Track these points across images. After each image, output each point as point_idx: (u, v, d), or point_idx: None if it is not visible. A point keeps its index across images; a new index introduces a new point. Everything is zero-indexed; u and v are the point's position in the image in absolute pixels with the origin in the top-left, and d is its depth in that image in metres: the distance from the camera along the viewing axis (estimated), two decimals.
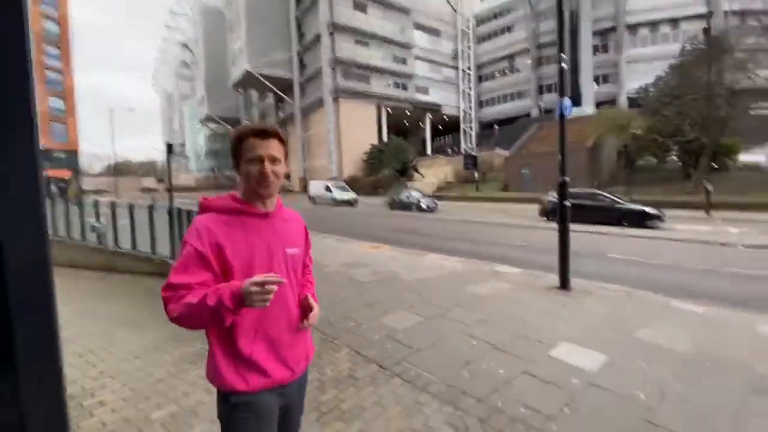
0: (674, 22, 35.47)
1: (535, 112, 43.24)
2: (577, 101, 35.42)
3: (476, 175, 28.81)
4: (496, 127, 44.29)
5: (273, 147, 1.23)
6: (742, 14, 25.15)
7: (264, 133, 1.22)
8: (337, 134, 39.60)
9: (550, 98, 40.83)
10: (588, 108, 33.20)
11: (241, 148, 1.23)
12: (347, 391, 2.70)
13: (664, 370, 2.93)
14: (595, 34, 37.57)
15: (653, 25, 36.58)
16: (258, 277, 1.07)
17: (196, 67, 65.33)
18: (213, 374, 1.21)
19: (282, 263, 1.27)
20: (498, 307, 4.48)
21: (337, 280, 5.84)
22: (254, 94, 54.32)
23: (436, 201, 20.74)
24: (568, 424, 2.29)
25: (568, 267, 5.14)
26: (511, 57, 46.43)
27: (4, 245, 0.52)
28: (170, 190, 8.61)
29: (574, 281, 5.21)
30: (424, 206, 19.38)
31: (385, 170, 36.86)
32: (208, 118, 59.76)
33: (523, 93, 45.40)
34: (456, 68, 48.56)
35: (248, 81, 45.09)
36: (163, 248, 7.24)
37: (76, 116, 39.43)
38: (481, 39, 49.01)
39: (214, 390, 1.27)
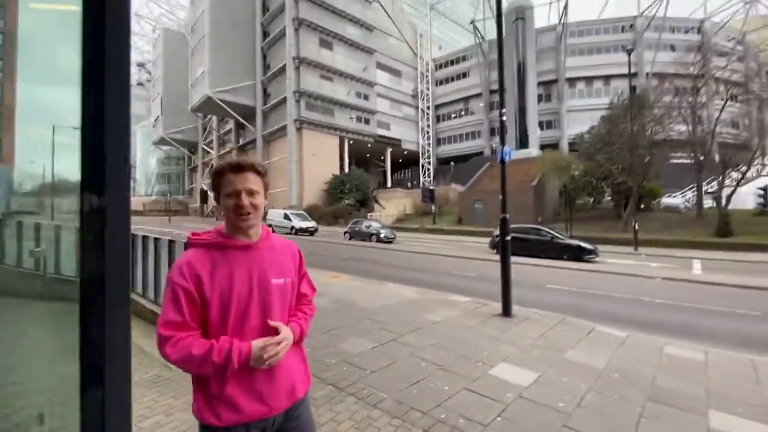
0: (606, 78, 40.46)
1: (487, 152, 46.32)
2: (524, 143, 38.70)
3: (433, 208, 30.00)
4: (452, 163, 46.78)
5: (250, 180, 1.25)
6: (661, 76, 29.25)
7: (240, 168, 1.25)
8: (299, 163, 39.77)
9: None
10: (534, 150, 36.30)
11: (220, 183, 1.26)
12: None
13: (582, 383, 3.40)
14: (540, 84, 41.72)
15: (588, 80, 41.46)
16: (260, 342, 1.16)
17: (153, 88, 63.46)
18: (194, 408, 1.24)
19: (265, 294, 1.25)
20: (447, 332, 4.85)
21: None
22: (214, 119, 53.57)
23: (394, 232, 21.31)
24: (499, 429, 2.63)
25: (509, 296, 5.67)
26: (466, 99, 49.96)
27: None
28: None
29: (515, 308, 5.74)
30: (383, 236, 19.83)
31: (345, 200, 37.31)
32: (162, 141, 57.63)
33: (477, 133, 48.66)
34: (416, 107, 51.31)
35: (209, 106, 44.56)
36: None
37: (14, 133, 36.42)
38: (439, 82, 52.49)
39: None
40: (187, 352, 1.10)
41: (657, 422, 2.80)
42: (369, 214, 34.44)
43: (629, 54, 16.10)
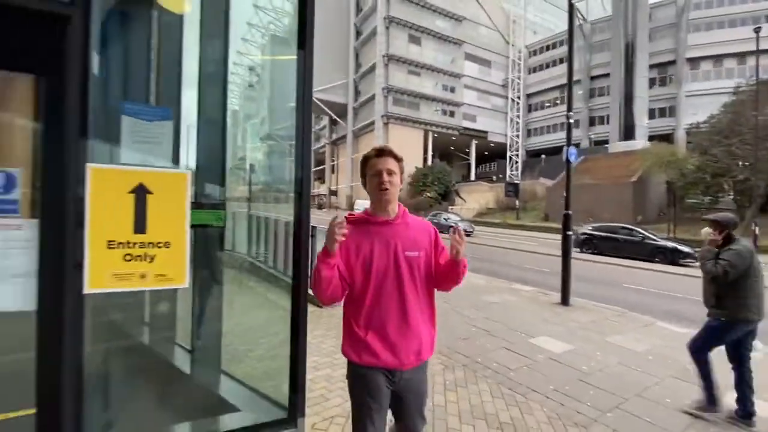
0: (741, 56, 34.05)
1: (585, 143, 42.71)
2: (630, 133, 34.84)
3: (517, 203, 29.20)
4: (543, 156, 44.20)
5: (389, 162, 1.47)
6: None
7: (381, 152, 1.49)
8: None
9: (602, 129, 40.27)
10: (640, 141, 32.50)
11: (366, 167, 1.51)
12: None
13: (613, 357, 3.93)
14: (653, 66, 36.91)
15: (717, 59, 35.33)
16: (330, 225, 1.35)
17: (261, 89, 71.76)
18: (342, 348, 1.54)
19: (398, 264, 1.46)
20: (502, 310, 5.59)
21: None
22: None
23: (473, 225, 21.62)
24: (522, 374, 3.43)
25: (568, 286, 6.12)
26: (562, 88, 46.45)
27: None
28: (249, 200, 10.61)
29: (577, 300, 6.16)
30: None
31: (427, 193, 38.19)
32: (267, 136, 65.02)
33: (573, 123, 45.05)
34: (505, 97, 49.45)
35: None
36: None
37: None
38: (532, 69, 49.64)
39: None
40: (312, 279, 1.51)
41: (666, 389, 3.28)
42: (450, 207, 34.84)
43: (757, 32, 13.85)
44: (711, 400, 2.89)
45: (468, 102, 46.89)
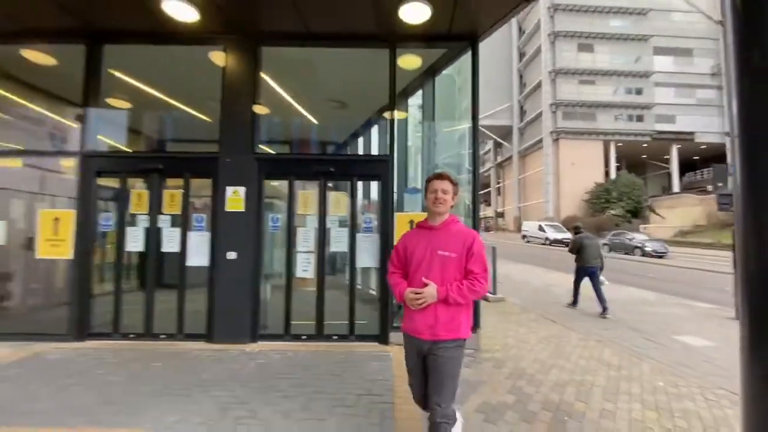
0: None
1: None
2: None
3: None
4: None
5: (444, 184, 1.99)
6: None
7: (439, 176, 2.03)
8: (556, 175, 39.76)
9: None
10: None
11: (428, 187, 2.04)
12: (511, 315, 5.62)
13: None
14: None
15: None
16: (409, 291, 1.92)
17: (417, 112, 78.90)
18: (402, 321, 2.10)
19: (433, 260, 1.94)
20: (659, 318, 6.16)
21: (534, 288, 8.51)
22: None
23: (666, 246, 18.90)
24: (654, 352, 4.46)
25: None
26: None
27: None
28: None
29: None
30: (649, 250, 18.21)
31: (611, 210, 34.18)
32: (435, 166, 70.56)
33: None
34: (717, 87, 39.76)
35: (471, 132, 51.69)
36: None
37: None
38: None
39: None
40: (391, 282, 2.09)
41: None
42: (642, 226, 30.30)
43: None
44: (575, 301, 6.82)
45: (662, 101, 39.95)
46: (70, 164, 5.25)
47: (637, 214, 33.95)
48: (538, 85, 42.09)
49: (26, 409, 2.68)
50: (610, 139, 39.72)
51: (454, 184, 2.02)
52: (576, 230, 7.07)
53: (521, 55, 47.95)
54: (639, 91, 40.06)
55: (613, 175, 39.29)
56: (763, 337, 1.51)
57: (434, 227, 2.01)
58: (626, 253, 19.41)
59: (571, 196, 38.58)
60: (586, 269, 6.56)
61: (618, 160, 41.37)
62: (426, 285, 1.89)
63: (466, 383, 3.31)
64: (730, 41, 1.68)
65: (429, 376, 1.94)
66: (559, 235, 25.95)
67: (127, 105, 5.46)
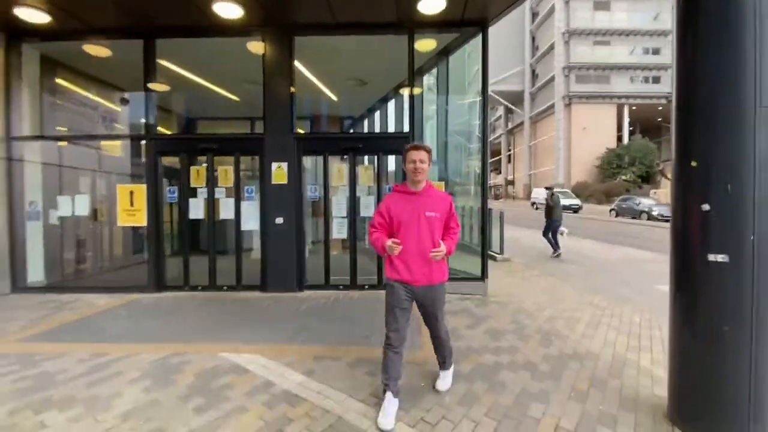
0: None
1: None
2: None
3: None
4: None
5: (422, 155, 2.24)
6: None
7: (416, 147, 2.26)
8: (567, 140, 39.44)
9: None
10: None
11: (406, 156, 2.28)
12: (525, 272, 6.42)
13: None
14: None
15: None
16: (389, 241, 2.18)
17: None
18: (385, 270, 2.40)
19: (421, 220, 2.24)
20: (648, 271, 6.89)
21: (539, 250, 9.30)
22: None
23: None
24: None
25: None
26: None
27: None
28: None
29: None
30: (655, 214, 18.65)
31: (622, 176, 34.15)
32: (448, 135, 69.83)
33: None
34: None
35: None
36: None
37: None
38: None
39: None
40: (373, 239, 2.32)
41: None
42: (653, 191, 30.35)
43: None
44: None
45: None
46: (116, 144, 6.17)
47: (648, 179, 33.88)
48: (551, 48, 40.87)
49: (150, 335, 3.62)
50: (624, 102, 38.96)
51: (429, 152, 2.31)
52: (551, 191, 8.90)
53: (534, 15, 46.15)
54: (657, 51, 38.70)
55: (626, 139, 38.86)
56: (682, 285, 2.24)
57: (417, 192, 2.30)
58: (633, 218, 19.89)
59: (582, 162, 38.45)
60: (556, 222, 8.64)
61: (632, 123, 40.75)
62: (429, 243, 2.25)
63: (475, 317, 4.16)
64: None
65: (425, 310, 2.37)
66: (568, 202, 26.35)
67: (181, 92, 6.21)
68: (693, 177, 2.16)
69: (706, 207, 2.07)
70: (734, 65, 2.04)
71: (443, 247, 2.24)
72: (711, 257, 2.05)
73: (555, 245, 8.64)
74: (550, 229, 8.72)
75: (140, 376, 2.74)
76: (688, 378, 2.19)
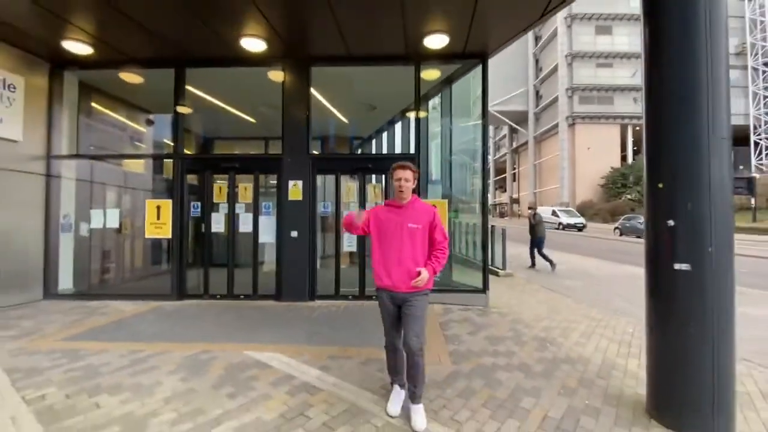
0: None
1: None
2: None
3: (753, 201, 23.42)
4: None
5: (406, 174, 2.39)
6: None
7: (402, 167, 2.41)
8: (571, 159, 39.85)
9: None
10: None
11: (393, 174, 2.43)
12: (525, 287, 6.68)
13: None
14: None
15: None
16: (355, 213, 2.48)
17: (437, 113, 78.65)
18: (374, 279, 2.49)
19: (403, 231, 2.37)
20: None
21: (541, 266, 9.55)
22: (490, 128, 60.95)
23: None
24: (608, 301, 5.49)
25: None
26: None
27: None
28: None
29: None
30: None
31: (627, 195, 34.30)
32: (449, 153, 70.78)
33: None
34: (743, 67, 38.80)
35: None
36: None
37: None
38: None
39: None
40: (346, 220, 2.56)
41: None
42: None
43: None
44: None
45: None
46: (140, 162, 6.68)
47: None
48: (554, 69, 41.81)
49: (179, 336, 3.96)
50: (628, 123, 39.47)
51: (414, 171, 2.46)
52: (533, 211, 9.82)
53: (537, 38, 47.42)
54: None
55: (630, 159, 39.16)
56: (655, 291, 2.57)
57: (403, 206, 2.45)
58: (637, 237, 19.98)
59: (587, 181, 38.73)
60: (541, 238, 9.55)
61: (635, 143, 41.11)
62: (419, 272, 2.33)
63: (475, 325, 4.45)
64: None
65: (406, 319, 2.36)
66: (572, 220, 26.55)
67: (203, 115, 6.75)
68: (661, 197, 2.51)
69: (671, 223, 2.42)
70: (691, 94, 2.42)
71: (424, 275, 2.32)
72: (677, 266, 2.38)
73: (534, 260, 9.69)
74: (535, 246, 9.63)
75: (176, 368, 3.07)
76: (660, 374, 2.48)
